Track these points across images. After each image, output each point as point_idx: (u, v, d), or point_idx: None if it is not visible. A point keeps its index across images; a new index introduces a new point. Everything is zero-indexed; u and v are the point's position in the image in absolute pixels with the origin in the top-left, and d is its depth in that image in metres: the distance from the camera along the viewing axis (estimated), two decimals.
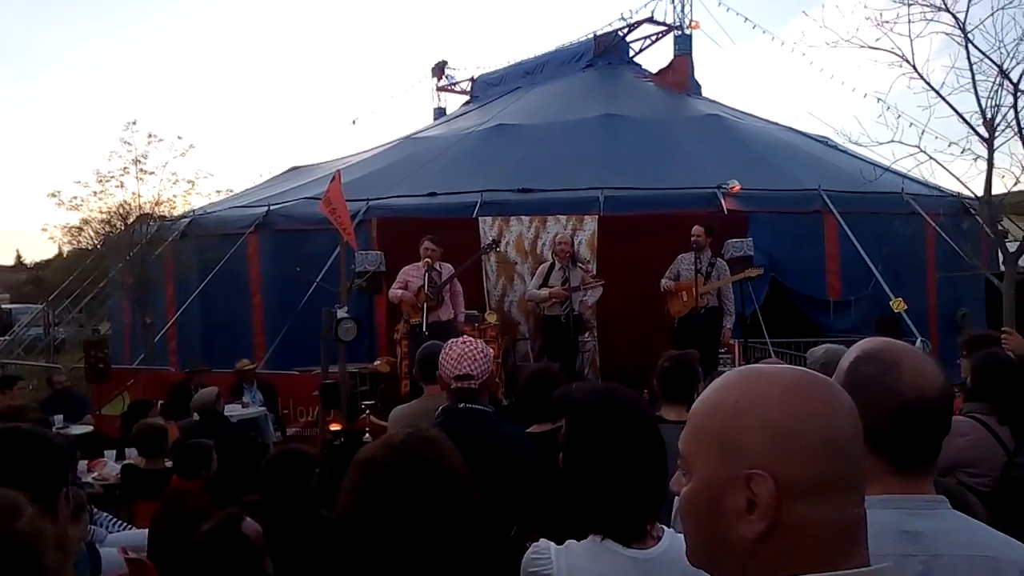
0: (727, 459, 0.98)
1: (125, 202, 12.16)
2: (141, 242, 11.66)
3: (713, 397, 1.04)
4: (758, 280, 8.97)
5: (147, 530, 4.14)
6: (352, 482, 1.48)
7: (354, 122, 22.50)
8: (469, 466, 2.79)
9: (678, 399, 3.63)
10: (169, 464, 5.23)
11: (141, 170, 12.02)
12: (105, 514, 4.53)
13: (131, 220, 12.04)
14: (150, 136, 12.03)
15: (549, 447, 3.34)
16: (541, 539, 1.99)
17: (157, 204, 12.24)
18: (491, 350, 3.12)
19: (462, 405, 2.92)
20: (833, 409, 1.00)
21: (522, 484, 2.83)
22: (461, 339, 3.07)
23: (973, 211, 10.91)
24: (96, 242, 13.32)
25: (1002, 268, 8.36)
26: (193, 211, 12.98)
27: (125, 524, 4.55)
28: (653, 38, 17.57)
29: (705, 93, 16.77)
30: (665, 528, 1.89)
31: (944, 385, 1.49)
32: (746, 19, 17.13)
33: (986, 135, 6.65)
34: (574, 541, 1.94)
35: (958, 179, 7.33)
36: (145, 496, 5.14)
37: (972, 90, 6.74)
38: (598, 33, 17.58)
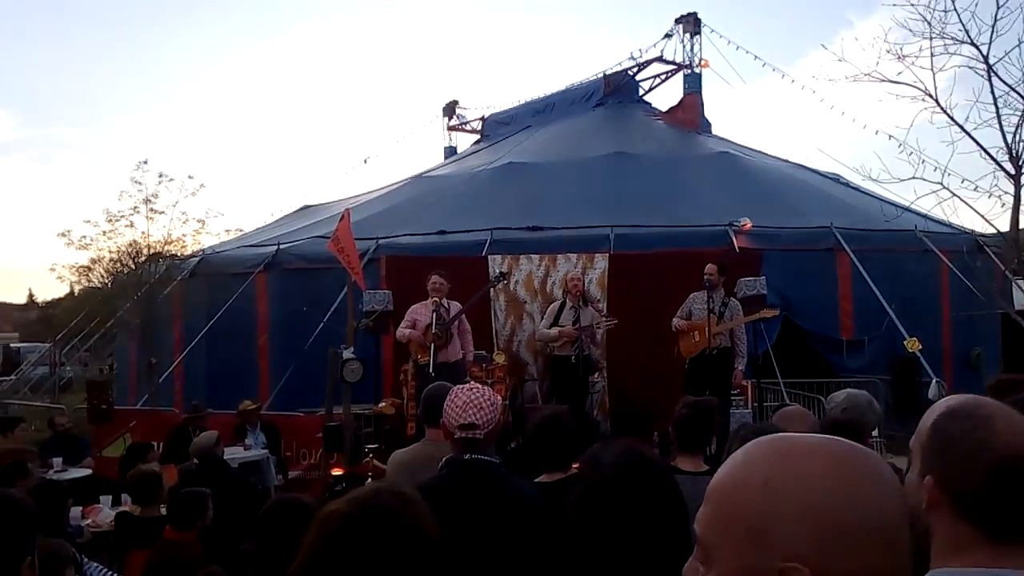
0: (756, 549, 0.84)
1: (135, 241, 12.25)
2: (150, 281, 11.66)
3: (738, 474, 0.89)
4: (771, 319, 8.82)
5: None
6: (311, 536, 1.40)
7: (365, 161, 22.78)
8: (475, 521, 2.68)
9: (694, 449, 3.48)
10: (165, 511, 5.11)
11: (151, 209, 12.11)
12: (95, 564, 4.36)
13: (141, 259, 12.05)
14: (160, 176, 12.15)
15: (559, 498, 3.20)
16: None
17: (167, 243, 12.29)
18: (499, 397, 2.98)
19: (468, 456, 2.78)
20: (882, 490, 0.85)
21: (528, 540, 2.68)
22: (468, 386, 2.94)
23: (987, 249, 10.77)
24: (106, 281, 13.33)
25: (1009, 308, 8.17)
26: (203, 250, 12.99)
27: (115, 575, 4.41)
28: (663, 77, 17.69)
29: (715, 131, 16.80)
30: None
31: None
32: (756, 57, 17.19)
33: (1012, 171, 6.51)
34: None
35: (983, 216, 7.14)
36: (138, 545, 4.98)
37: (997, 124, 6.61)
38: (608, 72, 17.70)
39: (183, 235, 12.40)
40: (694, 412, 3.51)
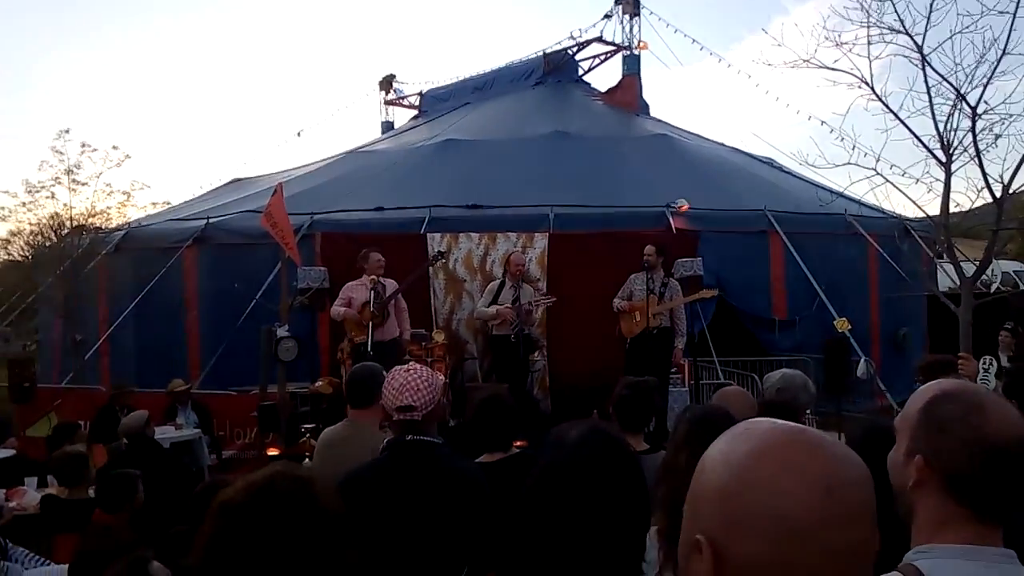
0: (690, 520, 0.90)
1: (56, 213, 11.81)
2: (73, 255, 11.23)
3: (706, 452, 0.94)
4: (709, 299, 8.98)
5: (67, 566, 3.85)
6: (206, 526, 1.35)
7: (299, 134, 22.20)
8: (418, 503, 2.63)
9: (635, 428, 3.51)
10: (93, 493, 4.93)
11: (74, 180, 11.70)
12: (21, 549, 4.22)
13: (63, 232, 11.61)
14: (83, 146, 11.78)
15: (501, 477, 3.18)
16: None
17: (90, 216, 11.89)
18: (440, 377, 2.91)
19: (409, 438, 2.72)
20: (804, 481, 0.83)
21: (473, 523, 2.64)
22: (406, 367, 2.87)
23: (914, 233, 11.14)
24: (26, 254, 12.82)
25: (938, 290, 8.47)
26: (128, 224, 12.58)
27: (43, 559, 4.25)
28: (602, 57, 17.69)
29: (653, 113, 16.91)
30: None
31: None
32: (694, 40, 17.37)
33: (943, 158, 6.69)
34: None
35: (914, 202, 7.37)
36: (66, 529, 4.80)
37: (930, 113, 6.78)
38: (547, 51, 17.61)
39: (107, 207, 12.09)
40: (634, 393, 3.55)
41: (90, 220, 11.84)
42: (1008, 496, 1.34)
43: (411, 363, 3.04)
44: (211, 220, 11.43)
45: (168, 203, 13.85)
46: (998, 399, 1.42)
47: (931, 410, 1.37)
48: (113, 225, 12.32)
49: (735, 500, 0.84)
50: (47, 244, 11.86)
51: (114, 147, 12.57)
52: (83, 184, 11.71)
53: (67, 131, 11.71)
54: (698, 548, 0.85)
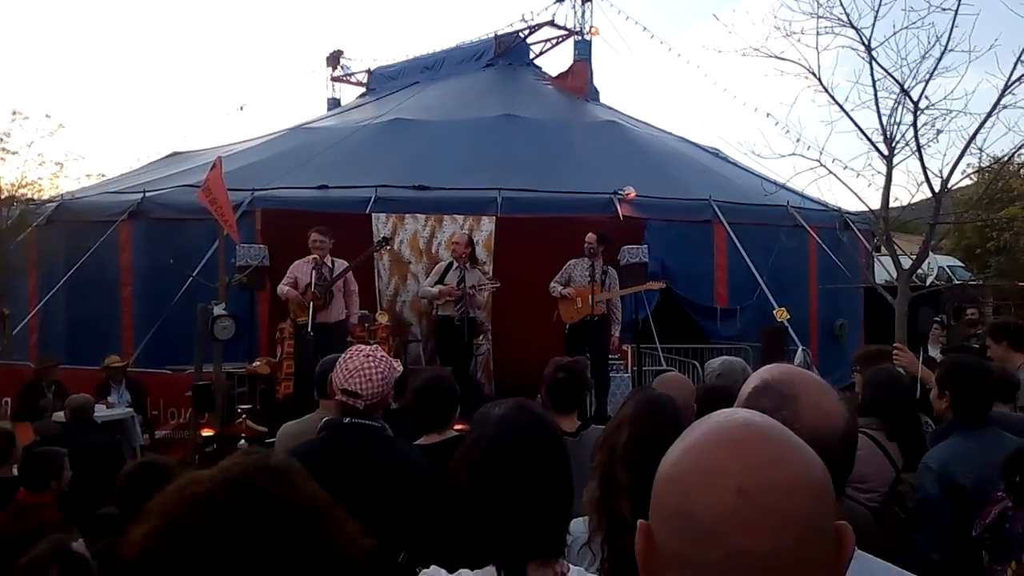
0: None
1: None
2: (2, 227, 10.80)
3: None
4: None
5: None
6: (157, 518, 1.12)
7: (242, 108, 21.71)
8: (353, 486, 2.56)
9: (567, 409, 3.53)
10: (17, 472, 4.75)
11: (3, 149, 11.27)
12: None
13: None
14: (14, 113, 11.42)
15: (440, 459, 3.13)
16: (432, 566, 1.77)
17: (21, 187, 11.48)
18: (398, 369, 2.82)
19: (348, 420, 2.66)
20: (711, 479, 0.80)
21: (412, 506, 2.59)
22: (367, 350, 2.78)
23: (853, 226, 11.39)
24: None
25: (876, 282, 8.68)
26: (61, 195, 12.14)
27: None
28: (553, 42, 17.65)
29: (603, 99, 16.94)
30: (572, 567, 1.70)
31: (847, 424, 1.33)
32: (644, 28, 17.43)
33: (886, 152, 6.80)
34: (467, 571, 1.72)
35: (856, 195, 7.50)
36: None
37: (874, 107, 6.89)
38: (499, 33, 17.49)
39: (39, 178, 11.66)
40: (568, 375, 3.56)
41: (20, 191, 11.42)
42: None
43: (374, 347, 2.94)
44: (147, 194, 11.07)
45: (103, 175, 13.42)
46: (821, 392, 1.35)
47: (749, 401, 1.33)
48: (45, 197, 11.89)
49: (660, 492, 0.85)
50: None
51: (47, 116, 12.12)
52: (13, 153, 11.33)
53: None
54: (640, 529, 0.86)
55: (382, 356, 2.78)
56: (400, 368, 2.86)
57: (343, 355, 2.78)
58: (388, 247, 9.04)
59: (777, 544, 0.77)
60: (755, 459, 0.81)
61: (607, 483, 2.11)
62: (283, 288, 7.71)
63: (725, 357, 4.33)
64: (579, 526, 2.14)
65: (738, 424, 0.86)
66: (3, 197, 11.30)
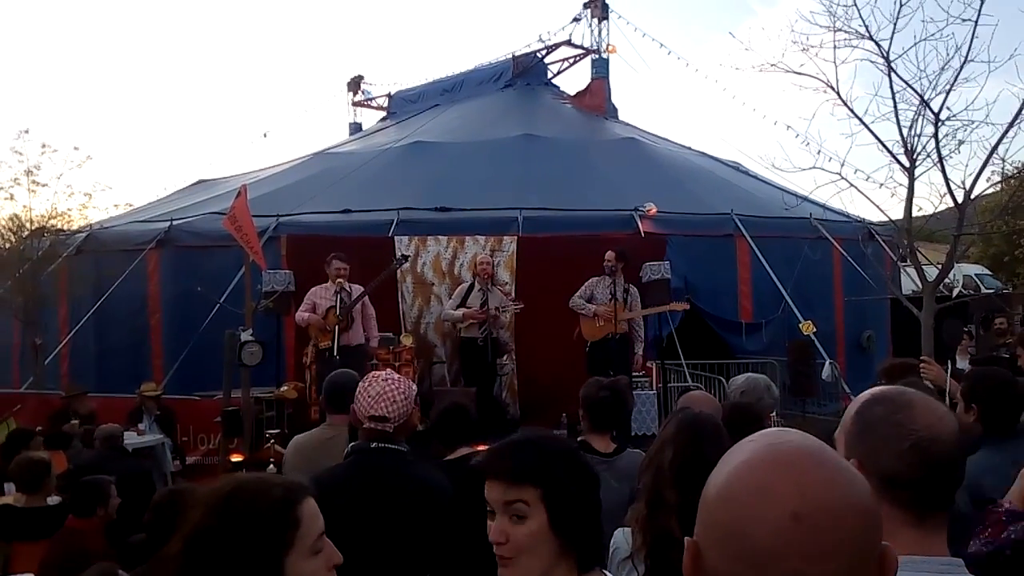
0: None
1: (15, 215, 11.58)
2: (33, 257, 10.99)
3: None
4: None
5: (30, 575, 3.79)
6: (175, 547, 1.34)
7: (265, 135, 22.05)
8: (380, 509, 2.59)
9: (605, 429, 3.51)
10: (52, 501, 4.81)
11: (33, 181, 11.43)
12: None
13: (23, 234, 11.37)
14: (44, 146, 11.49)
15: (463, 474, 3.15)
16: None
17: (51, 218, 11.64)
18: (413, 388, 2.87)
19: (375, 444, 2.69)
20: (767, 502, 0.81)
21: (436, 529, 2.61)
22: (384, 375, 2.82)
23: (878, 237, 11.28)
24: None
25: (901, 294, 8.58)
26: (90, 225, 12.32)
27: None
28: (571, 61, 17.76)
29: (621, 116, 16.99)
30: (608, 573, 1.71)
31: (958, 430, 1.39)
32: (661, 45, 17.50)
33: (907, 164, 6.75)
34: None
35: (877, 206, 7.42)
36: (25, 537, 4.69)
37: (894, 119, 6.83)
38: (516, 54, 17.63)
39: (68, 209, 11.79)
40: (612, 394, 3.53)
41: (50, 222, 11.58)
42: (942, 493, 1.32)
43: (388, 371, 2.98)
44: (175, 222, 11.26)
45: (131, 205, 13.58)
46: (927, 398, 1.41)
47: (861, 413, 1.38)
48: (74, 227, 12.07)
49: (711, 511, 0.85)
50: (6, 246, 11.57)
51: (75, 148, 12.32)
52: (43, 185, 11.45)
53: (26, 131, 11.46)
54: (687, 547, 0.87)
55: (398, 377, 2.83)
56: (414, 387, 2.89)
57: (361, 383, 2.81)
58: (407, 265, 9.09)
59: (830, 568, 0.79)
60: (809, 484, 0.82)
61: (655, 501, 2.12)
62: (303, 315, 7.79)
63: (749, 374, 4.30)
64: (621, 537, 2.20)
65: (790, 445, 0.87)
66: (34, 229, 11.48)
